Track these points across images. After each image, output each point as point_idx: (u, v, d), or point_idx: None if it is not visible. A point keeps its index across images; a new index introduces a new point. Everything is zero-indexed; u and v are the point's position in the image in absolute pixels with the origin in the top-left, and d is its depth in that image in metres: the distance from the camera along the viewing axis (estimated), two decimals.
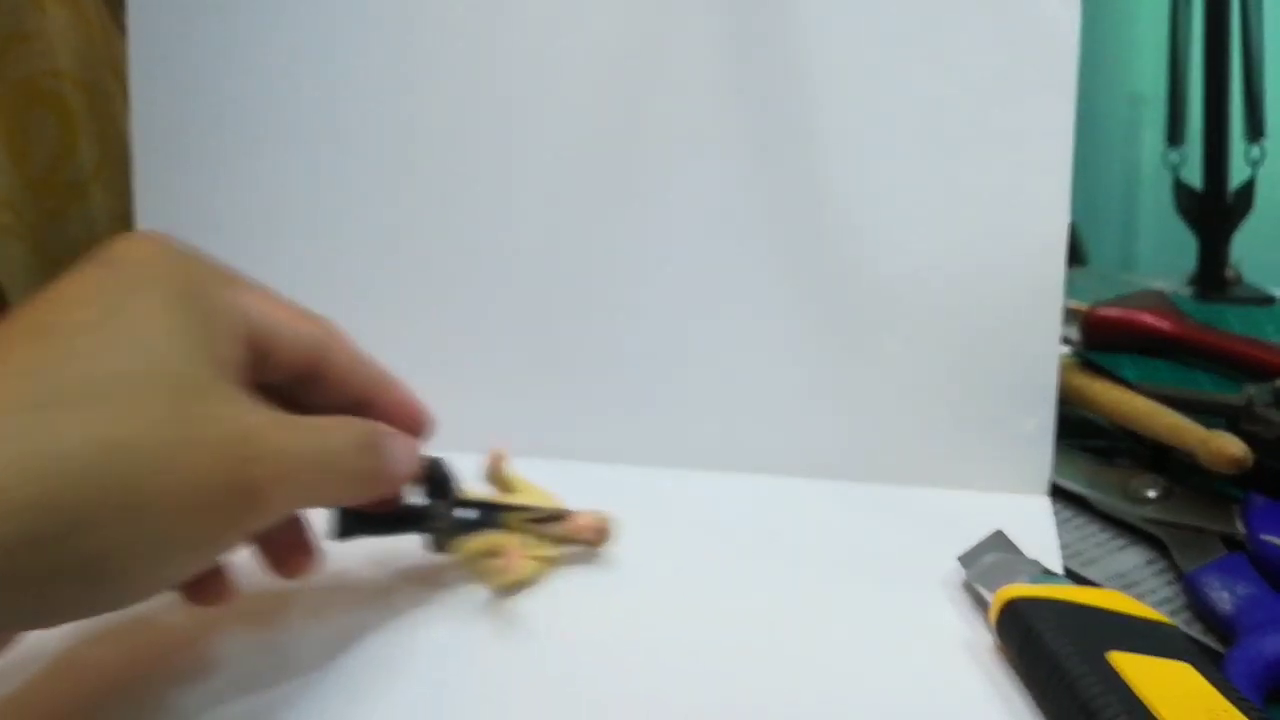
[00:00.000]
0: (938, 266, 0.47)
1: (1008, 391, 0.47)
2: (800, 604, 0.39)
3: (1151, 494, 0.44)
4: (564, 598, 0.40)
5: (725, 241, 0.49)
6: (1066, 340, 0.56)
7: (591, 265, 0.50)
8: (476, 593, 0.40)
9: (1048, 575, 0.38)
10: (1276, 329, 0.57)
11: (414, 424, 0.39)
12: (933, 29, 0.46)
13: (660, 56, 0.49)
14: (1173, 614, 0.39)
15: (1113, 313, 0.55)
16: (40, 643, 0.34)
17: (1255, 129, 0.68)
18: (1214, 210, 0.70)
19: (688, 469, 0.50)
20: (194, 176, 0.53)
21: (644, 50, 0.49)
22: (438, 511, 0.39)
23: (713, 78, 0.48)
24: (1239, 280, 0.71)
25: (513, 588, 0.40)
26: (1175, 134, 0.71)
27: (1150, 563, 0.42)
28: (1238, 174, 0.69)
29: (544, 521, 0.41)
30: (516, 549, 0.39)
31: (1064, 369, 0.48)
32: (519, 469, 0.46)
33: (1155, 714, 0.29)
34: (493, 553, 0.40)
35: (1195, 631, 0.38)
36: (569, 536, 0.42)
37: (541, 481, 0.45)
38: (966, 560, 0.40)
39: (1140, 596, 0.39)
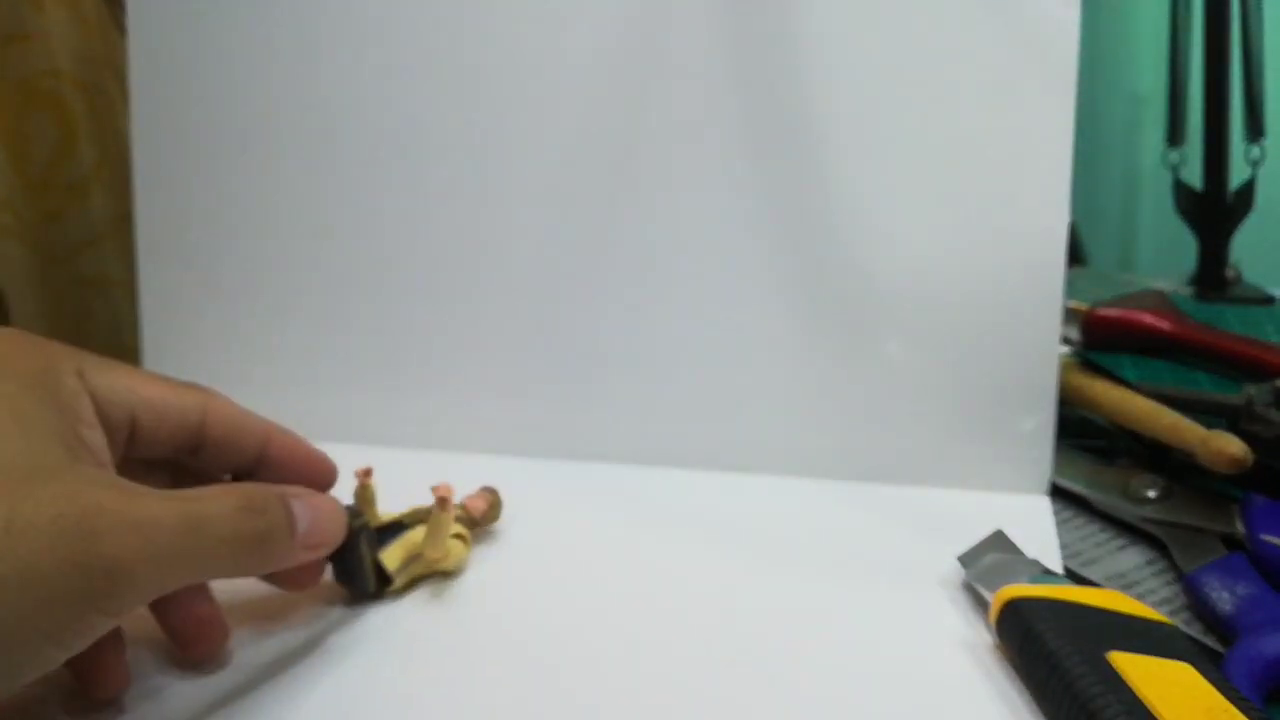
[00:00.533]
0: (938, 266, 0.47)
1: (1008, 391, 0.47)
2: (800, 604, 0.39)
3: (1151, 494, 0.44)
4: (562, 598, 0.40)
5: (725, 241, 0.49)
6: (1066, 340, 0.56)
7: (591, 266, 0.50)
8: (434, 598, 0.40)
9: (1048, 575, 0.38)
10: (1276, 329, 0.57)
11: (316, 474, 0.38)
12: (933, 29, 0.46)
13: (660, 57, 0.49)
14: (1173, 614, 0.39)
15: (1113, 313, 0.55)
16: None
17: (1255, 129, 0.68)
18: (1214, 210, 0.70)
19: (688, 469, 0.50)
20: (194, 177, 0.53)
21: (644, 51, 0.49)
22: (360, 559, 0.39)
23: (713, 78, 0.48)
24: (1239, 280, 0.71)
25: (453, 569, 0.40)
26: (1175, 134, 0.71)
27: (1150, 563, 0.42)
28: (1238, 174, 0.69)
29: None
30: (442, 536, 0.39)
31: (1064, 369, 0.48)
32: (518, 470, 0.46)
33: (1155, 714, 0.29)
34: (419, 551, 0.39)
35: (1195, 631, 0.38)
36: (468, 517, 0.42)
37: (541, 482, 0.45)
38: (966, 560, 0.40)
39: (1140, 596, 0.39)
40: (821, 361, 0.49)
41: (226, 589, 0.38)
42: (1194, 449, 0.43)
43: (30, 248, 0.60)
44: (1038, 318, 0.47)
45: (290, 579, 0.37)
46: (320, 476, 0.38)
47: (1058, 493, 0.47)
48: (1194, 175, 0.71)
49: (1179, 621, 0.38)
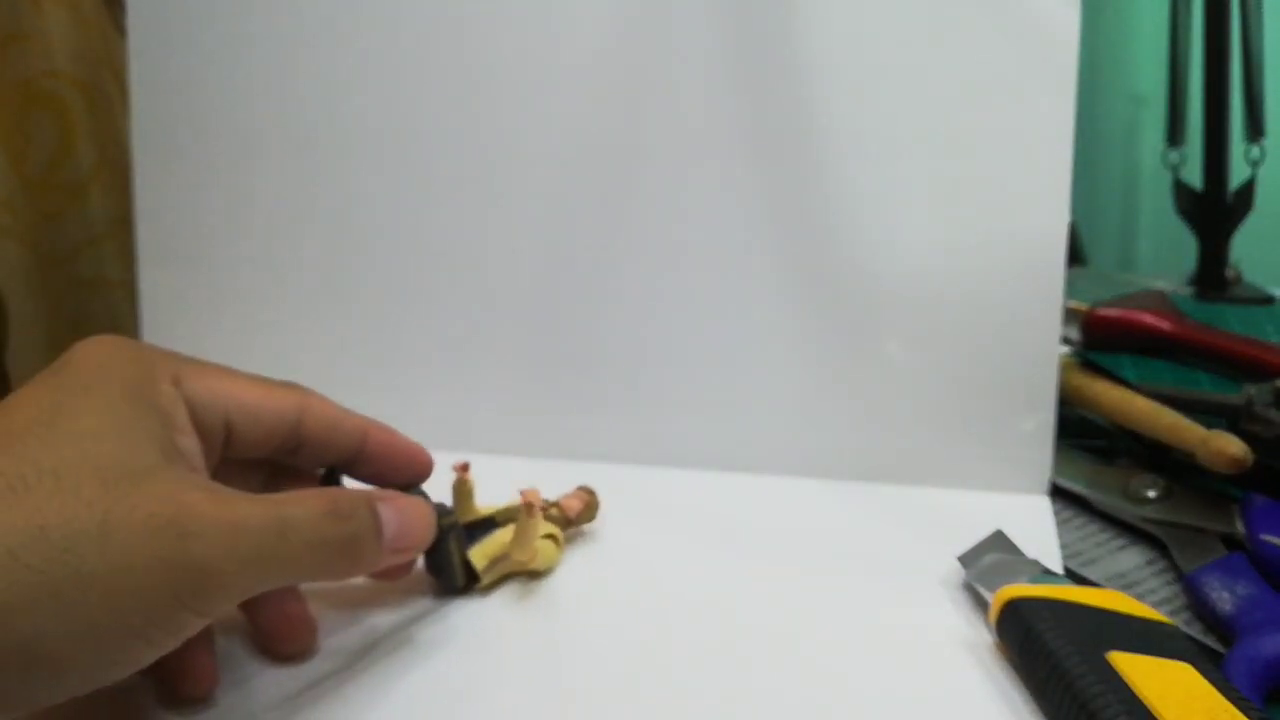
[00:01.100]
0: (938, 266, 0.47)
1: (1008, 391, 0.47)
2: (800, 603, 0.39)
3: (1151, 494, 0.44)
4: (561, 600, 0.40)
5: (725, 241, 0.49)
6: (1066, 340, 0.56)
7: (592, 266, 0.50)
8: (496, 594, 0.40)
9: (1048, 575, 0.38)
10: (1276, 329, 0.57)
11: (413, 467, 0.39)
12: (933, 29, 0.46)
13: (661, 58, 0.49)
14: (1173, 614, 0.39)
15: (1113, 313, 0.55)
16: None
17: (1255, 129, 0.68)
18: (1214, 210, 0.70)
19: (687, 469, 0.50)
20: (194, 177, 0.53)
21: (645, 51, 0.49)
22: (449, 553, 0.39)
23: (713, 79, 0.48)
24: (1239, 280, 0.71)
25: (543, 570, 0.41)
26: (1175, 134, 0.71)
27: (1150, 563, 0.42)
28: (1238, 174, 0.69)
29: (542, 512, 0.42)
30: (530, 538, 0.39)
31: (1064, 369, 0.48)
32: (518, 470, 0.46)
33: (1155, 714, 0.29)
34: (507, 551, 0.40)
35: (1195, 631, 0.38)
36: (563, 517, 0.43)
37: (542, 482, 0.45)
38: (966, 560, 0.40)
39: (1140, 596, 0.39)
40: (822, 362, 0.48)
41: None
42: (1194, 449, 0.43)
43: (29, 248, 0.60)
44: (1038, 318, 0.47)
45: (380, 572, 0.37)
46: (417, 470, 0.39)
47: (1058, 493, 0.47)
48: (1194, 175, 0.71)
49: (1179, 621, 0.38)
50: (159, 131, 0.53)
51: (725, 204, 0.49)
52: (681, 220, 0.49)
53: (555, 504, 0.43)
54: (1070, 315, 0.58)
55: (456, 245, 0.51)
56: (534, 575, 0.41)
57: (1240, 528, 0.41)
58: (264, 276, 0.53)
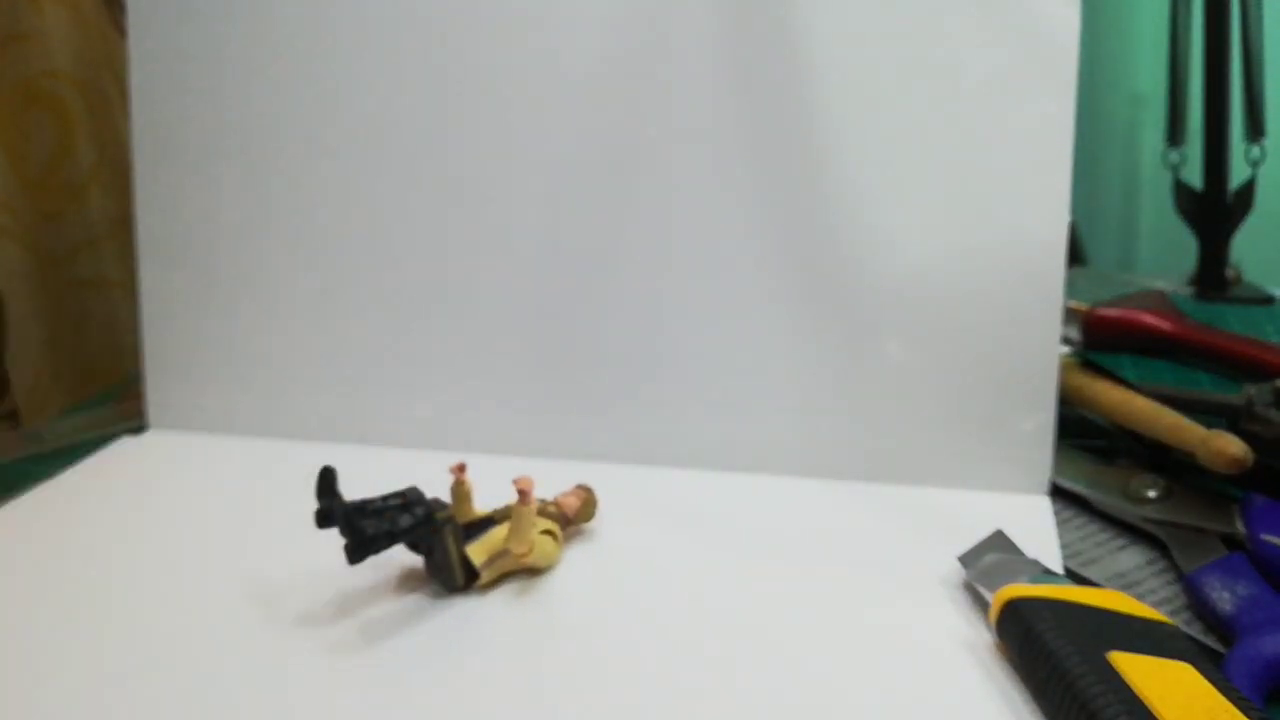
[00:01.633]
0: (938, 266, 0.47)
1: (1008, 391, 0.47)
2: (800, 603, 0.39)
3: (1151, 494, 0.44)
4: (560, 598, 0.40)
5: (726, 242, 0.49)
6: (1066, 340, 0.56)
7: (592, 267, 0.50)
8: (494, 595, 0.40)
9: (1048, 575, 0.38)
10: (1276, 329, 0.57)
11: None
12: (933, 30, 0.46)
13: (660, 58, 0.49)
14: (1173, 614, 0.39)
15: (1113, 313, 0.55)
16: None
17: (1255, 129, 0.68)
18: (1214, 210, 0.70)
19: (687, 469, 0.50)
20: (194, 178, 0.53)
21: (644, 51, 0.49)
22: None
23: (714, 81, 0.48)
24: (1239, 280, 0.71)
25: (542, 564, 0.41)
26: (1175, 134, 0.71)
27: (1150, 563, 0.42)
28: (1238, 174, 0.69)
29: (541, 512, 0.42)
30: (525, 529, 0.39)
31: (1064, 369, 0.48)
32: (518, 470, 0.46)
33: (1155, 714, 0.29)
34: (504, 546, 0.40)
35: (1195, 631, 0.38)
36: (561, 515, 0.43)
37: (542, 482, 0.45)
38: (966, 560, 0.40)
39: (1140, 596, 0.39)
40: (822, 362, 0.48)
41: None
42: (1194, 449, 0.43)
43: (28, 248, 0.60)
44: (1038, 318, 0.46)
45: None
46: None
47: (1058, 493, 0.47)
48: (1194, 175, 0.71)
49: (1179, 621, 0.38)
50: (159, 131, 0.53)
51: (725, 205, 0.49)
52: (681, 221, 0.49)
53: (554, 502, 0.43)
54: (1070, 315, 0.58)
55: (457, 246, 0.51)
56: (533, 573, 0.41)
57: (1240, 528, 0.41)
58: (264, 276, 0.53)
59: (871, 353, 0.48)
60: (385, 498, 0.38)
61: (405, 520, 0.38)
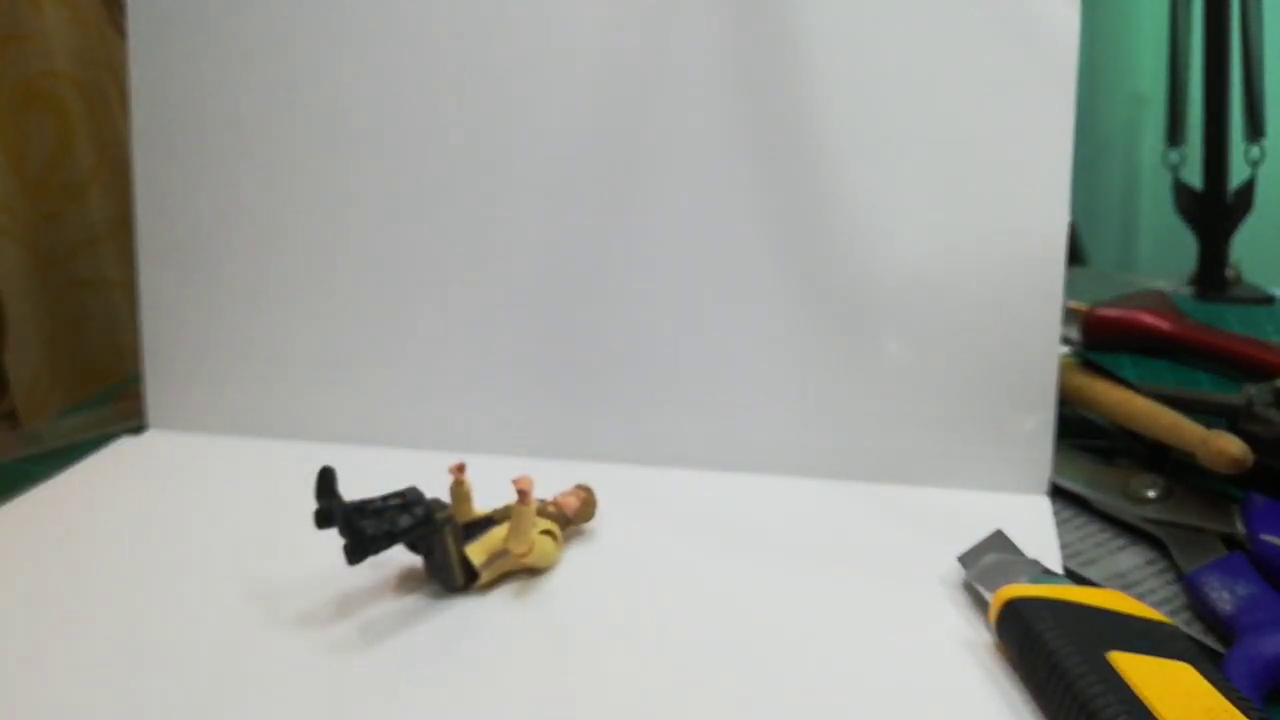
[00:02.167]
0: (938, 266, 0.47)
1: (1008, 391, 0.47)
2: (800, 603, 0.39)
3: (1151, 494, 0.44)
4: (560, 598, 0.40)
5: (725, 241, 0.49)
6: (1066, 340, 0.56)
7: (592, 267, 0.50)
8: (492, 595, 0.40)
9: (1048, 575, 0.38)
10: (1276, 329, 0.57)
11: None
12: (933, 29, 0.46)
13: (660, 59, 0.49)
14: (1173, 614, 0.39)
15: (1113, 313, 0.55)
16: None
17: (1255, 129, 0.68)
18: (1214, 210, 0.70)
19: (687, 469, 0.50)
20: (193, 178, 0.53)
21: (644, 52, 0.49)
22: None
23: (713, 80, 0.48)
24: (1239, 280, 0.71)
25: (542, 564, 0.41)
26: (1175, 134, 0.71)
27: (1150, 563, 0.42)
28: (1238, 174, 0.69)
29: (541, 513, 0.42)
30: (525, 529, 0.39)
31: (1064, 369, 0.48)
32: (518, 470, 0.46)
33: (1155, 714, 0.29)
34: (504, 546, 0.40)
35: (1195, 631, 0.38)
36: (560, 515, 0.43)
37: (542, 483, 0.45)
38: (966, 560, 0.40)
39: (1140, 596, 0.39)
40: (822, 361, 0.48)
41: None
42: (1194, 449, 0.43)
43: (28, 249, 0.60)
44: (1038, 318, 0.46)
45: None
46: None
47: (1058, 493, 0.47)
48: (1194, 175, 0.71)
49: (1179, 621, 0.38)
50: (159, 131, 0.53)
51: (726, 204, 0.49)
52: (681, 221, 0.49)
53: (554, 502, 0.43)
54: (1070, 315, 0.58)
55: (456, 247, 0.51)
56: (533, 573, 0.41)
57: (1240, 528, 0.41)
58: (264, 277, 0.53)
59: (871, 353, 0.48)
60: (385, 498, 0.38)
61: (405, 520, 0.38)
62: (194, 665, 0.36)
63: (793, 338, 0.49)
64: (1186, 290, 0.71)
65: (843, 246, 0.48)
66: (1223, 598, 0.38)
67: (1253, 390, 0.45)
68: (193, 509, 0.47)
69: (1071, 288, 0.47)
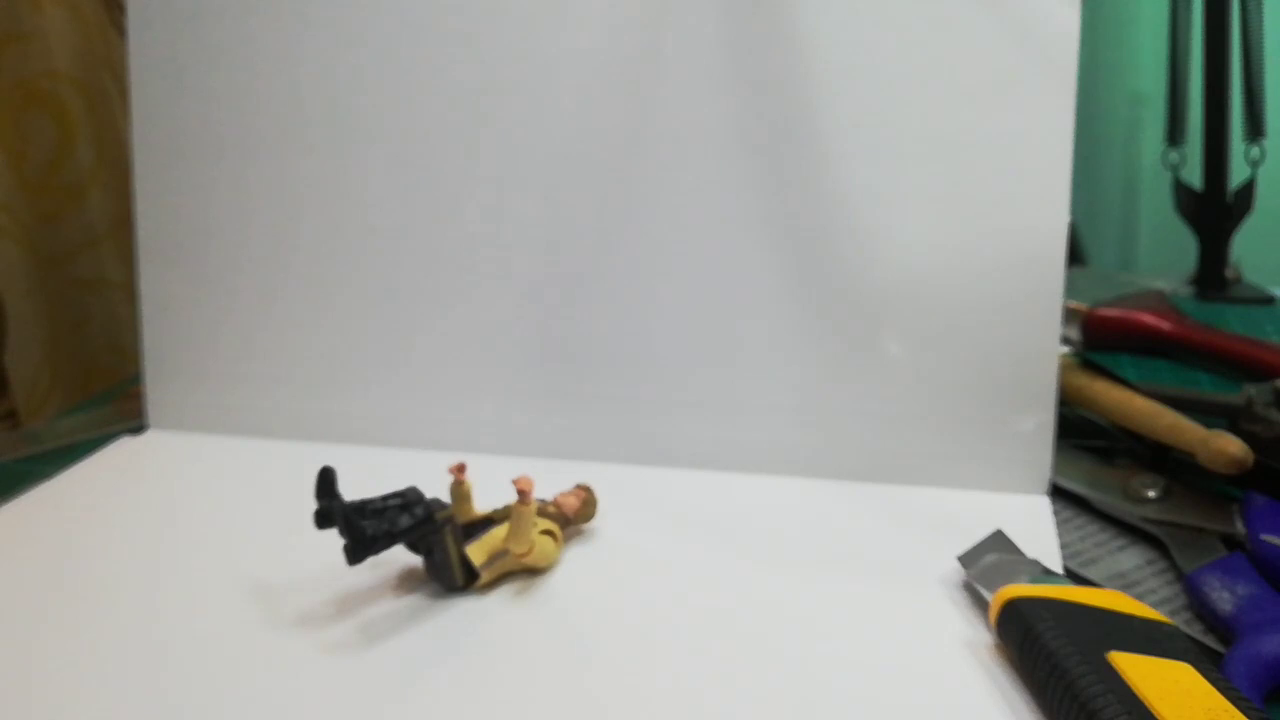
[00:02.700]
0: (938, 266, 0.47)
1: (1008, 391, 0.47)
2: (800, 603, 0.39)
3: (1151, 494, 0.44)
4: (560, 597, 0.40)
5: (725, 241, 0.49)
6: (1066, 340, 0.56)
7: (591, 267, 0.50)
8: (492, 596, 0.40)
9: (1048, 575, 0.38)
10: (1276, 329, 0.57)
11: None
12: (933, 29, 0.46)
13: (660, 60, 0.49)
14: (1173, 614, 0.39)
15: (1113, 313, 0.55)
16: None
17: (1255, 129, 0.68)
18: (1214, 210, 0.70)
19: (687, 469, 0.50)
20: (194, 179, 0.53)
21: (644, 53, 0.49)
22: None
23: (713, 79, 0.48)
24: (1239, 280, 0.71)
25: (542, 564, 0.41)
26: (1175, 134, 0.71)
27: (1150, 563, 0.42)
28: (1238, 174, 0.69)
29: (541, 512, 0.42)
30: (525, 529, 0.39)
31: (1064, 369, 0.48)
32: (518, 471, 0.46)
33: (1155, 714, 0.29)
34: (504, 546, 0.40)
35: (1195, 631, 0.38)
36: (561, 515, 0.43)
37: (543, 483, 0.45)
38: (966, 560, 0.40)
39: (1140, 596, 0.39)
40: (822, 361, 0.48)
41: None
42: (1194, 449, 0.43)
43: (28, 249, 0.60)
44: (1038, 318, 0.46)
45: None
46: None
47: (1058, 493, 0.47)
48: (1194, 175, 0.71)
49: (1179, 621, 0.38)
50: (159, 131, 0.53)
51: (725, 204, 0.49)
52: (681, 221, 0.49)
53: (554, 502, 0.43)
54: (1070, 315, 0.58)
55: (456, 246, 0.51)
56: (533, 573, 0.41)
57: (1240, 528, 0.41)
58: (264, 277, 0.53)
59: (871, 353, 0.48)
60: (385, 498, 0.38)
61: (405, 520, 0.38)
62: (194, 665, 0.36)
63: (793, 337, 0.49)
64: (1186, 290, 0.71)
65: (843, 246, 0.48)
66: (1223, 598, 0.38)
67: (1253, 390, 0.45)
68: (193, 509, 0.47)
69: (1071, 288, 0.48)
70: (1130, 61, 0.84)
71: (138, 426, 0.56)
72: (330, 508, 0.38)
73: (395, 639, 0.37)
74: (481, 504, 0.41)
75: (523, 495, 0.38)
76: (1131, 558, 0.43)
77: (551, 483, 0.45)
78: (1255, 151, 0.68)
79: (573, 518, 0.43)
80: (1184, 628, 0.37)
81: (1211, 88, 0.69)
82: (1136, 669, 0.31)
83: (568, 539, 0.43)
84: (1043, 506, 0.46)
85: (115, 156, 0.64)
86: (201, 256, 0.54)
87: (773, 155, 0.48)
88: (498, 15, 0.50)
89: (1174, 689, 0.30)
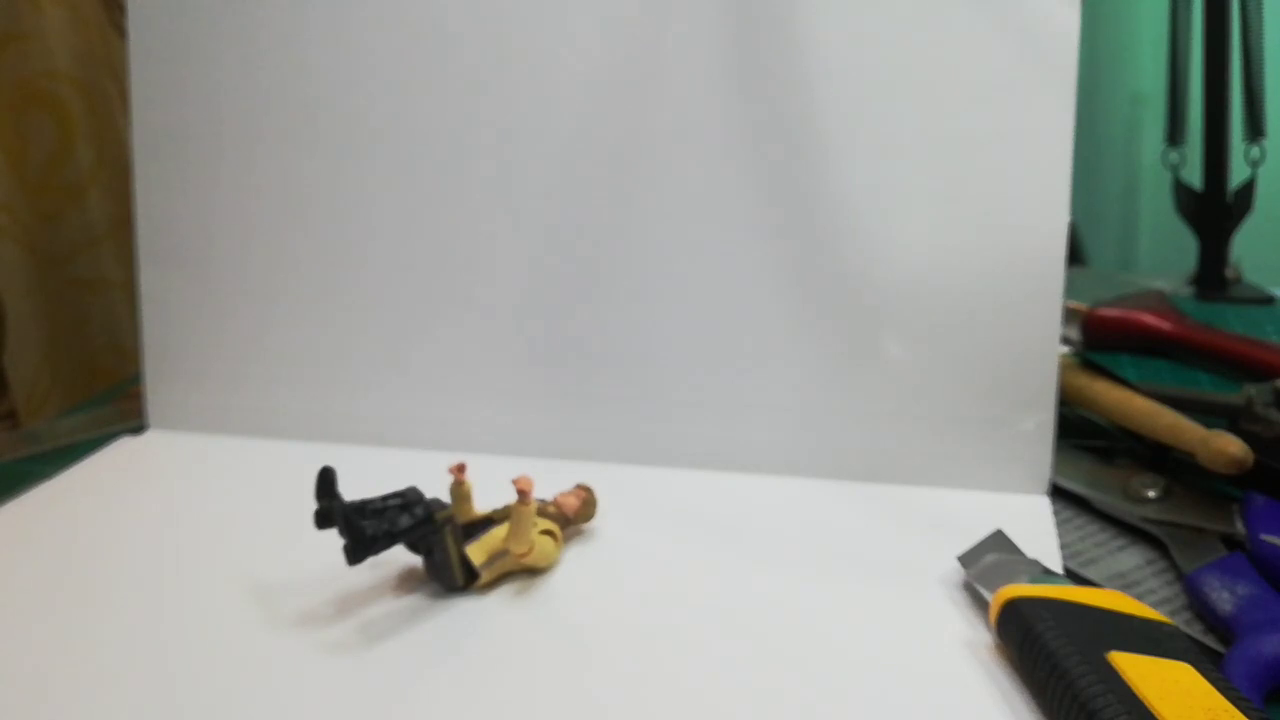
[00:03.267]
0: (938, 266, 0.47)
1: (1008, 391, 0.47)
2: (800, 603, 0.39)
3: (1151, 494, 0.44)
4: (560, 597, 0.40)
5: (725, 242, 0.49)
6: (1066, 340, 0.56)
7: (591, 267, 0.50)
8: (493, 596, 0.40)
9: (1048, 575, 0.38)
10: (1276, 329, 0.57)
11: None
12: (933, 30, 0.46)
13: (661, 60, 0.49)
14: (1173, 614, 0.39)
15: (1113, 313, 0.55)
16: None
17: (1255, 129, 0.68)
18: (1214, 210, 0.70)
19: (687, 469, 0.50)
20: (193, 179, 0.53)
21: (645, 53, 0.49)
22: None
23: (713, 81, 0.48)
24: (1239, 280, 0.71)
25: (542, 564, 0.41)
26: (1175, 134, 0.71)
27: (1150, 563, 0.42)
28: (1238, 174, 0.69)
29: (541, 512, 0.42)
30: (525, 529, 0.39)
31: (1064, 369, 0.48)
32: (518, 470, 0.46)
33: (1155, 714, 0.29)
34: (504, 545, 0.40)
35: (1195, 631, 0.38)
36: (561, 515, 0.43)
37: (543, 483, 0.45)
38: (966, 560, 0.40)
39: (1140, 596, 0.39)
40: (822, 362, 0.48)
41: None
42: (1194, 449, 0.43)
43: (28, 249, 0.60)
44: (1038, 317, 0.46)
45: None
46: None
47: (1058, 493, 0.47)
48: (1194, 175, 0.71)
49: (1179, 621, 0.38)
50: (159, 131, 0.53)
51: (726, 205, 0.49)
52: (681, 221, 0.49)
53: (554, 502, 0.43)
54: (1070, 315, 0.58)
55: (456, 247, 0.51)
56: (533, 573, 0.41)
57: (1240, 528, 0.41)
58: (264, 277, 0.53)
59: (871, 353, 0.48)
60: (385, 498, 0.38)
61: (405, 520, 0.38)
62: (194, 665, 0.36)
63: (793, 338, 0.49)
64: (1186, 290, 0.71)
65: (843, 247, 0.48)
66: (1223, 598, 0.38)
67: (1253, 390, 0.45)
68: (193, 509, 0.47)
69: (1071, 288, 0.47)
70: (1130, 61, 0.85)
71: (138, 426, 0.56)
72: (330, 508, 0.38)
73: (395, 639, 0.37)
74: (481, 504, 0.41)
75: (523, 495, 0.38)
76: (1131, 558, 0.43)
77: (551, 483, 0.45)
78: (1255, 151, 0.68)
79: (573, 518, 0.43)
80: (1184, 628, 0.37)
81: (1211, 88, 0.69)
82: (1136, 669, 0.31)
83: (568, 539, 0.43)
84: (1043, 506, 0.46)
85: (115, 156, 0.64)
86: (202, 256, 0.54)
87: (773, 155, 0.48)
88: (499, 16, 0.50)
89: (1174, 689, 0.30)
